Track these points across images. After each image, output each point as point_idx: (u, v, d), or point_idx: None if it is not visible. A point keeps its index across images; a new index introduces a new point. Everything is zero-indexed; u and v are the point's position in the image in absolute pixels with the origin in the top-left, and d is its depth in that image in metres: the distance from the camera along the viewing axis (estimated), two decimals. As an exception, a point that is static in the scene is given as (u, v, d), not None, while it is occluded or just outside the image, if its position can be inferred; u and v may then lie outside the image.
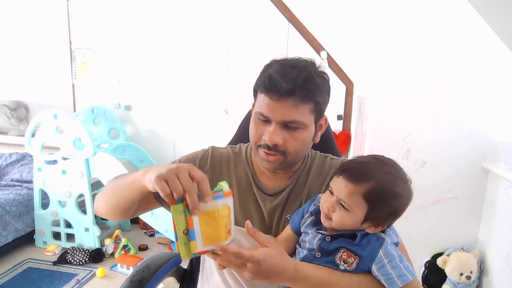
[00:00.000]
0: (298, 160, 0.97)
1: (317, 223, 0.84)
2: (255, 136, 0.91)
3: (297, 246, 0.87)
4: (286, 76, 0.83)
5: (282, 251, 0.79)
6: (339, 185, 0.79)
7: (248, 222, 0.81)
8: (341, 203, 0.78)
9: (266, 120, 0.88)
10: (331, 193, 0.81)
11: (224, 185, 0.74)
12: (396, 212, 0.79)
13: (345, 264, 0.78)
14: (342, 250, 0.79)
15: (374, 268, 0.77)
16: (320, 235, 0.81)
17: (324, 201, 0.82)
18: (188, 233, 0.70)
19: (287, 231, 0.90)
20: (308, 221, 0.86)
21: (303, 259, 0.82)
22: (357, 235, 0.79)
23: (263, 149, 0.89)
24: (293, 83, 0.83)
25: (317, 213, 0.85)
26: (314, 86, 0.86)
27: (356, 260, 0.78)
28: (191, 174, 0.71)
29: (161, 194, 0.70)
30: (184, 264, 1.25)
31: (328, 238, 0.81)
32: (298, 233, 0.88)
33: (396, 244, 0.81)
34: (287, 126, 0.87)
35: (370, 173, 0.78)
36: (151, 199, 0.97)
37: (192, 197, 0.69)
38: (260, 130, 0.89)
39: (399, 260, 0.77)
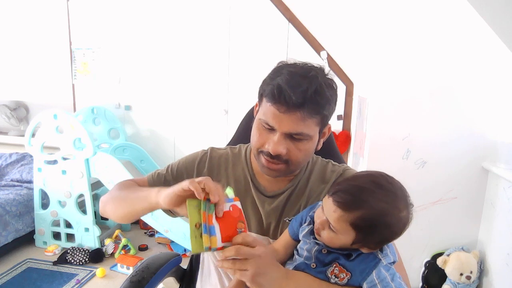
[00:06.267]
0: (300, 168, 0.96)
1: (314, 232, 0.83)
2: (257, 143, 0.89)
3: (295, 251, 0.86)
4: (296, 88, 0.81)
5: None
6: (328, 207, 0.76)
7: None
8: (330, 224, 0.76)
9: (271, 129, 0.86)
10: (323, 210, 0.79)
11: (230, 191, 0.80)
12: (387, 240, 0.77)
13: (336, 278, 0.77)
14: (334, 265, 0.78)
15: (364, 287, 0.76)
16: (317, 246, 0.81)
17: (317, 216, 0.80)
18: (200, 227, 0.74)
19: (285, 237, 0.89)
20: (306, 229, 0.84)
21: (296, 268, 0.82)
22: (352, 254, 0.78)
23: (265, 156, 0.88)
24: (303, 96, 0.80)
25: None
26: (324, 100, 0.84)
27: (348, 276, 0.77)
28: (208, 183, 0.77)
29: (194, 190, 0.74)
30: (184, 264, 1.26)
31: (324, 251, 0.80)
32: (296, 239, 0.87)
33: (393, 262, 0.79)
34: (292, 137, 0.85)
35: (361, 201, 0.73)
36: None
37: (221, 199, 0.75)
38: (263, 137, 0.88)
39: (390, 279, 0.76)
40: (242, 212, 0.79)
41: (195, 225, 0.74)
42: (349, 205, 0.74)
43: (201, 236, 0.73)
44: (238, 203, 0.79)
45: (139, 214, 0.92)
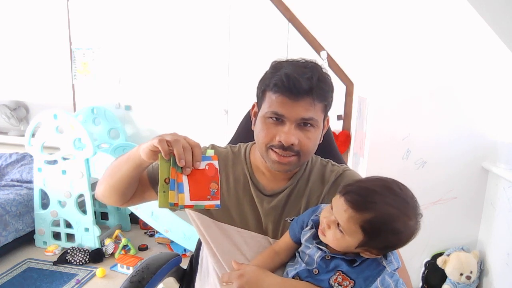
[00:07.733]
0: (308, 159, 0.97)
1: (317, 236, 0.83)
2: (266, 137, 0.89)
3: (297, 254, 0.86)
4: (303, 75, 0.84)
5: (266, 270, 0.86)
6: (339, 207, 0.76)
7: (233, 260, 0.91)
8: (338, 224, 0.76)
9: (279, 120, 0.87)
10: (332, 209, 0.79)
11: (210, 151, 0.81)
12: (393, 246, 0.77)
13: (339, 287, 0.77)
14: (337, 273, 0.77)
15: None
16: (320, 251, 0.80)
17: (324, 216, 0.80)
18: (169, 182, 0.75)
19: (286, 239, 0.89)
20: (309, 234, 0.84)
21: (298, 274, 0.82)
22: (357, 260, 0.77)
23: (277, 149, 0.88)
24: (310, 82, 0.84)
25: (317, 225, 0.83)
26: (327, 86, 0.88)
27: (351, 284, 0.76)
28: (186, 140, 0.79)
29: (161, 149, 0.75)
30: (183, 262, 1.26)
31: (328, 257, 0.80)
32: (297, 242, 0.87)
33: (397, 268, 0.80)
34: (301, 125, 0.87)
35: (373, 204, 0.74)
36: (146, 185, 1.00)
37: (188, 156, 0.76)
38: (272, 131, 0.88)
39: (394, 286, 0.76)
40: (218, 172, 0.78)
41: (165, 180, 0.75)
42: (360, 206, 0.74)
43: (177, 193, 0.74)
44: (215, 162, 0.79)
45: (127, 177, 0.91)
